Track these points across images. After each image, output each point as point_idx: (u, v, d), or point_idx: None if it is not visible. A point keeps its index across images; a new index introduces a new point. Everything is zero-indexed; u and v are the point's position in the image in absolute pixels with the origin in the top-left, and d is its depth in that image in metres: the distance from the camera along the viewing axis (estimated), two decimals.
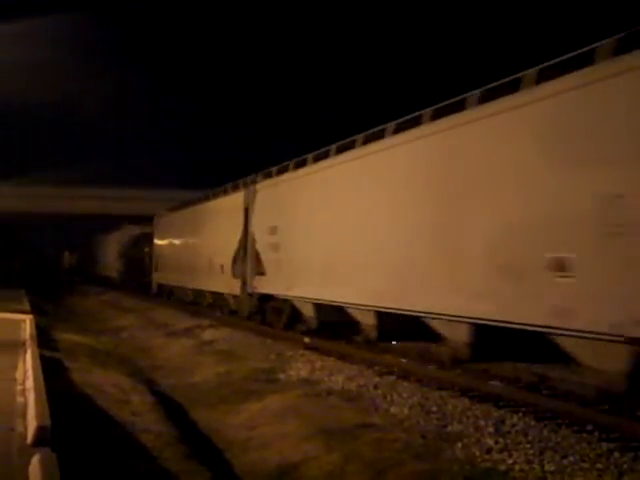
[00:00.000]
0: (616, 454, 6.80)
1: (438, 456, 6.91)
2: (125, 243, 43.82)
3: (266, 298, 17.79)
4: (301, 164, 16.23)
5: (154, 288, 32.57)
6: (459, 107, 10.68)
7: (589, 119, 8.22)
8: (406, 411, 8.83)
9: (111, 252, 47.26)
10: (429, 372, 11.09)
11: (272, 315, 17.61)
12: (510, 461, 6.72)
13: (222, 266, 20.71)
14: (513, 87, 9.59)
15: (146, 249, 37.01)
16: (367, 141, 13.35)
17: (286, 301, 16.60)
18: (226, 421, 9.30)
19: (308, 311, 15.51)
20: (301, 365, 12.48)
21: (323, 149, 15.22)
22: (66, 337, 15.73)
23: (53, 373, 9.16)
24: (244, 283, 18.85)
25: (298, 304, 15.98)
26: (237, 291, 19.43)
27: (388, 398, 9.57)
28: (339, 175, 14.14)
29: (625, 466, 6.48)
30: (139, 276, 38.05)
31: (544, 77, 9.05)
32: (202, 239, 24.12)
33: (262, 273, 17.75)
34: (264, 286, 17.64)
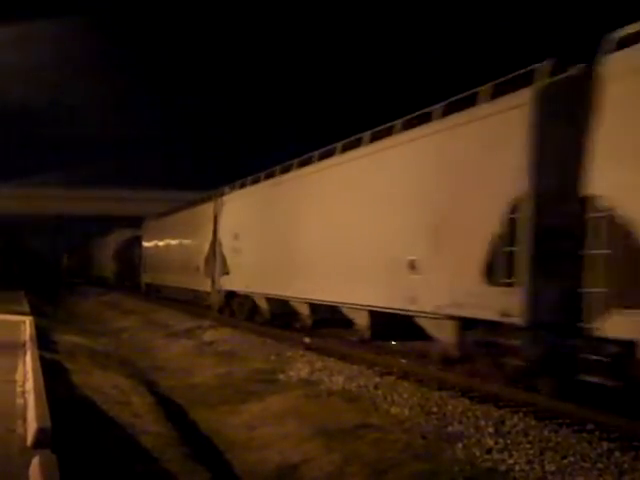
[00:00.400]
0: (617, 453, 6.81)
1: (438, 456, 6.92)
2: (118, 245, 45.45)
3: (231, 294, 21.26)
4: (255, 180, 19.98)
5: (143, 287, 35.55)
6: (388, 132, 13.08)
7: (435, 158, 10.98)
8: (406, 411, 8.83)
9: (106, 254, 47.82)
10: (429, 372, 11.09)
11: (237, 308, 20.95)
12: (511, 461, 6.73)
13: (197, 267, 24.40)
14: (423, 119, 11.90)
15: (137, 251, 38.90)
16: (302, 164, 16.73)
17: (247, 297, 19.91)
18: (226, 422, 9.30)
19: (263, 304, 18.79)
20: (301, 365, 12.49)
21: (268, 170, 18.93)
22: (66, 338, 15.73)
23: (53, 375, 9.14)
24: (213, 281, 22.47)
25: (256, 299, 19.32)
26: (208, 288, 23.04)
27: (388, 398, 9.57)
28: (280, 191, 17.81)
29: (626, 465, 6.49)
30: (132, 276, 39.85)
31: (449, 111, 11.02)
32: (182, 243, 28.41)
33: (227, 273, 21.14)
34: (229, 284, 21.12)
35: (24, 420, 6.30)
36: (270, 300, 18.16)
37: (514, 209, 9.02)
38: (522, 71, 9.38)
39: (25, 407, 6.80)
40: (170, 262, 29.57)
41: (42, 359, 9.70)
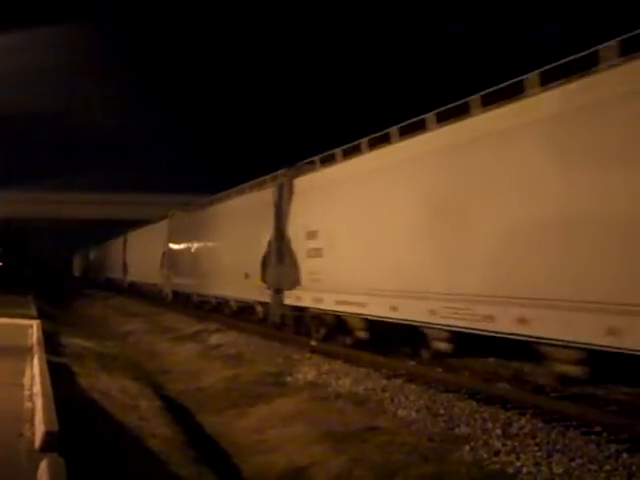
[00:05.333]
0: (624, 455, 6.77)
1: (446, 459, 6.90)
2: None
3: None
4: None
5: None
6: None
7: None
8: (413, 414, 8.81)
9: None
10: (436, 375, 11.07)
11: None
12: (518, 463, 6.70)
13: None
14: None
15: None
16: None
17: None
18: (234, 425, 9.30)
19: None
20: (308, 368, 12.48)
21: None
22: (73, 342, 15.77)
23: (60, 378, 9.17)
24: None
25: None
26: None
27: (395, 401, 9.56)
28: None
29: (634, 467, 6.45)
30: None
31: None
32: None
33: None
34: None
35: (32, 423, 6.32)
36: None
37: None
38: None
39: (33, 410, 6.82)
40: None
41: (49, 362, 9.73)
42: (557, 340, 8.43)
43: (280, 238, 16.94)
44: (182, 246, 28.78)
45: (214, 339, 17.91)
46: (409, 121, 12.47)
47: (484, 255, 9.87)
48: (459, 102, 11.12)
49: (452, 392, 9.85)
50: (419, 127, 12.13)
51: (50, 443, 5.30)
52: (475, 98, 10.78)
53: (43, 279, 55.72)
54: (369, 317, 13.06)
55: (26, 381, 8.76)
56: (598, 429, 7.70)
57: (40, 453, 5.20)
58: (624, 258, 7.68)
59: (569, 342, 8.25)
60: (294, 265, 16.17)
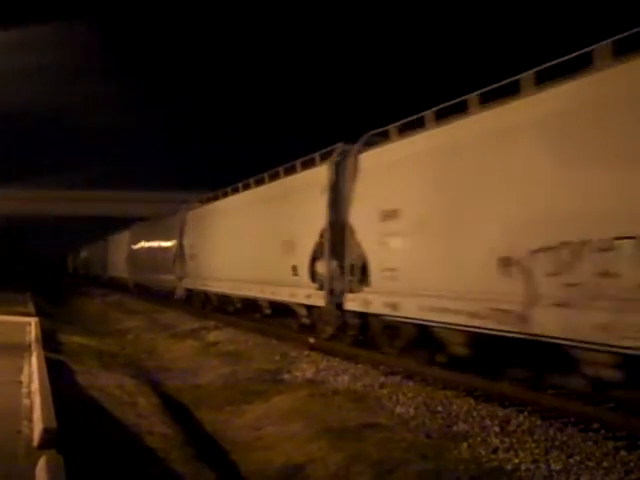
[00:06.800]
0: (622, 452, 6.79)
1: (444, 456, 6.91)
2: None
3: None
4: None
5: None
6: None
7: None
8: (412, 411, 8.82)
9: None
10: (434, 372, 11.08)
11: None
12: (516, 460, 6.71)
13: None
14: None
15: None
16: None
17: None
18: (232, 422, 9.30)
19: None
20: (306, 365, 12.48)
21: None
22: (71, 339, 15.76)
23: (59, 375, 9.17)
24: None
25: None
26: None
27: (393, 398, 9.56)
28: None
29: (632, 464, 6.47)
30: None
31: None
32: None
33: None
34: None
35: (30, 421, 6.32)
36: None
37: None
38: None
39: (31, 408, 6.82)
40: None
41: (48, 360, 9.73)
42: None
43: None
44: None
45: (212, 336, 17.90)
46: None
47: None
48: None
49: (450, 389, 9.87)
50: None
51: (48, 440, 5.30)
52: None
53: (41, 276, 55.67)
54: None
55: (24, 378, 8.75)
56: (596, 426, 7.71)
57: (38, 450, 5.21)
58: None
59: None
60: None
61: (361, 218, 13.09)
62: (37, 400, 6.65)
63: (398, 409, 8.99)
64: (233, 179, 22.12)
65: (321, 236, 14.49)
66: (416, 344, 11.64)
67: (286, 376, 11.84)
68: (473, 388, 9.79)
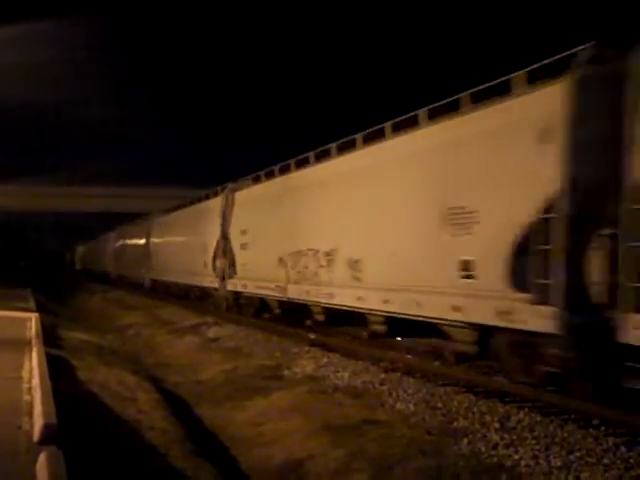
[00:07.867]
0: (622, 449, 6.80)
1: (444, 452, 6.91)
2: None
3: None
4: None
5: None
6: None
7: None
8: (412, 407, 8.83)
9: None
10: (434, 368, 11.08)
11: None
12: (516, 457, 6.72)
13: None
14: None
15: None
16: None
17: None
18: (232, 418, 9.32)
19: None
20: (306, 362, 12.49)
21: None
22: (72, 335, 15.77)
23: (59, 371, 9.17)
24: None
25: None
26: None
27: (394, 394, 9.57)
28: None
29: (631, 461, 6.48)
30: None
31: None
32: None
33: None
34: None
35: (30, 416, 6.33)
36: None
37: None
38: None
39: (31, 403, 6.83)
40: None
41: (48, 356, 9.74)
42: None
43: None
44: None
45: (213, 332, 17.92)
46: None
47: None
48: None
49: (450, 385, 9.87)
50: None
51: (49, 436, 5.30)
52: None
53: (42, 272, 55.68)
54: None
55: (25, 374, 8.76)
56: (596, 422, 7.71)
57: (39, 446, 5.20)
58: None
59: None
60: None
61: (233, 233, 20.92)
62: (37, 396, 6.65)
63: (398, 405, 9.00)
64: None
65: (217, 243, 22.05)
66: (261, 309, 19.30)
67: (286, 372, 11.85)
68: (473, 384, 9.80)
